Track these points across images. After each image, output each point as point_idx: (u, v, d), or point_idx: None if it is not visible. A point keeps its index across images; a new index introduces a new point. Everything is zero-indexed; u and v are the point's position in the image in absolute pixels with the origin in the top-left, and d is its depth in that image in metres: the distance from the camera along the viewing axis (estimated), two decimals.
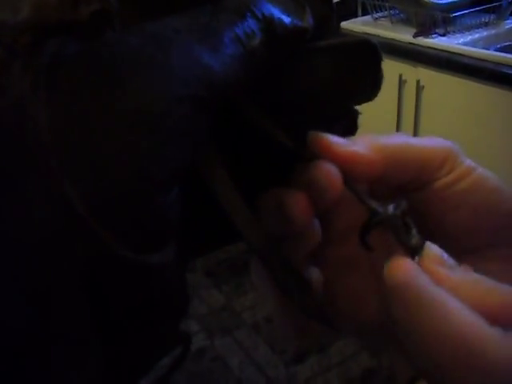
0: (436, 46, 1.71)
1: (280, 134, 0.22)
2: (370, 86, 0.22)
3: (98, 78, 0.17)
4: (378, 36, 1.88)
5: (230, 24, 0.19)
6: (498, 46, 1.71)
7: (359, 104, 0.23)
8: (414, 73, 1.75)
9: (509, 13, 1.84)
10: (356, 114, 0.24)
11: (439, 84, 1.70)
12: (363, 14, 2.06)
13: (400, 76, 1.78)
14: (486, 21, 1.81)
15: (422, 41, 1.74)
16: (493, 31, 1.80)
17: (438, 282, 0.20)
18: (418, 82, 1.74)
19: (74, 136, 0.16)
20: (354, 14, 2.07)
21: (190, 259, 0.25)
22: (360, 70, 0.22)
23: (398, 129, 1.85)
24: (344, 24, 2.00)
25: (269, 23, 0.19)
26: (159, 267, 0.18)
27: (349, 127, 0.24)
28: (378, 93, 0.22)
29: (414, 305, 0.19)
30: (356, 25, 1.98)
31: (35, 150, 0.16)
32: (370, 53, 0.22)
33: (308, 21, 0.21)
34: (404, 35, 1.80)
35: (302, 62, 0.21)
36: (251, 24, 0.19)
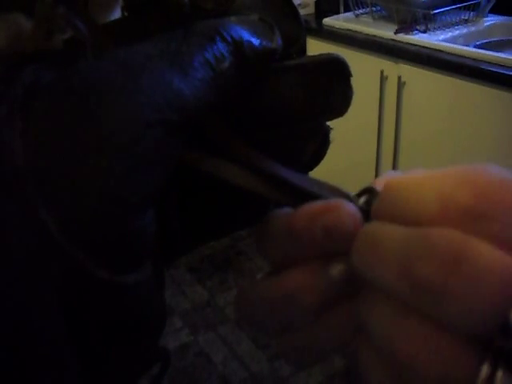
0: (417, 43, 1.72)
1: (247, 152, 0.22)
2: (341, 103, 0.22)
3: (71, 106, 0.17)
4: (360, 32, 1.89)
5: (199, 48, 0.19)
6: (478, 42, 1.73)
7: (330, 120, 0.23)
8: (395, 69, 1.76)
9: (487, 10, 1.86)
10: (328, 129, 0.24)
11: (420, 80, 1.71)
12: (345, 11, 2.07)
13: (382, 72, 1.79)
14: (466, 18, 1.83)
15: (404, 37, 1.76)
16: (472, 28, 1.82)
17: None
18: (399, 77, 1.75)
19: (48, 163, 0.17)
20: (336, 11, 2.08)
21: (173, 259, 0.25)
22: (330, 87, 0.22)
23: (379, 124, 1.87)
24: (326, 21, 2.01)
25: (238, 46, 0.20)
26: (135, 287, 0.19)
27: (321, 143, 0.24)
28: (348, 108, 0.23)
29: None
30: (338, 21, 1.99)
31: (11, 176, 0.17)
32: (340, 69, 0.22)
33: (277, 42, 0.21)
34: (385, 32, 1.82)
35: (272, 81, 0.22)
36: (220, 47, 0.19)
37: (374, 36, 1.84)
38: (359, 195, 0.22)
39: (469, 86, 1.57)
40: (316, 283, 0.21)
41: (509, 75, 1.47)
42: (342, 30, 1.95)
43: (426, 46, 1.69)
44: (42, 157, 0.17)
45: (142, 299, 0.20)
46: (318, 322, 0.21)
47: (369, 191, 0.21)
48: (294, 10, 0.23)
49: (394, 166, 1.89)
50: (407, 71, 1.73)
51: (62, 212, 0.17)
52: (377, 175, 1.95)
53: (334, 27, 1.98)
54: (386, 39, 1.80)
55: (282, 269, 0.22)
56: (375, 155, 1.93)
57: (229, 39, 0.20)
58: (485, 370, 0.16)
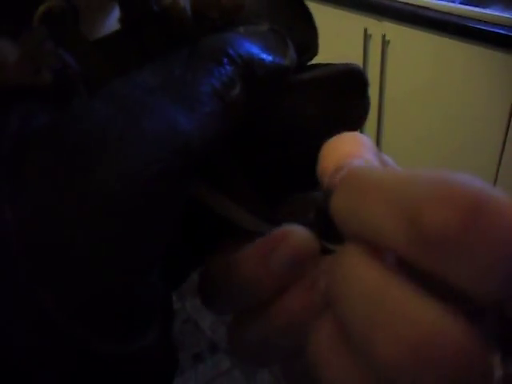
0: None
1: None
2: (358, 115, 0.21)
3: (65, 163, 0.15)
4: None
5: (206, 75, 0.17)
6: None
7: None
8: (379, 27, 1.73)
9: None
10: None
11: (405, 38, 1.68)
12: None
13: (365, 30, 1.75)
14: None
15: None
16: None
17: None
18: (383, 36, 1.72)
19: (42, 233, 0.14)
20: None
21: (177, 287, 0.24)
22: (347, 101, 0.21)
23: None
24: None
25: (248, 67, 0.17)
26: (143, 352, 0.17)
27: None
28: (365, 120, 0.21)
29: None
30: None
31: (0, 248, 0.14)
32: (356, 81, 0.20)
33: (290, 57, 0.19)
34: None
35: (286, 97, 0.20)
36: (229, 71, 0.17)
37: None
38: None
39: (454, 43, 1.55)
40: (312, 298, 0.19)
41: (494, 32, 1.45)
42: None
43: (411, 2, 1.65)
44: (34, 226, 0.14)
45: (151, 361, 0.18)
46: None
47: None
48: (306, 12, 0.21)
49: (379, 125, 1.88)
50: (391, 29, 1.70)
51: (59, 289, 0.14)
52: None
53: None
54: None
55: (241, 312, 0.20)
56: None
57: (237, 60, 0.17)
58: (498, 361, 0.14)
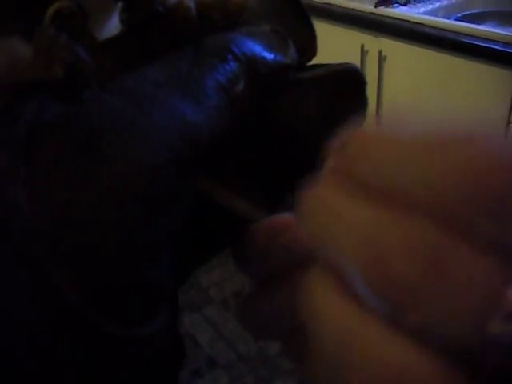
0: (397, 16, 1.70)
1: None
2: (356, 113, 0.22)
3: (78, 150, 0.15)
4: (339, 6, 1.85)
5: (211, 70, 0.18)
6: (459, 15, 1.71)
7: None
8: (375, 43, 1.74)
9: None
10: None
11: (401, 54, 1.69)
12: None
13: (362, 46, 1.77)
14: None
15: (384, 10, 1.73)
16: (453, 0, 1.80)
17: None
18: (380, 52, 1.73)
19: (57, 217, 0.15)
20: None
21: (185, 281, 0.24)
22: (345, 98, 0.21)
23: None
24: None
25: (251, 64, 0.18)
26: (152, 336, 0.17)
27: None
28: (364, 120, 0.22)
29: None
30: None
31: (17, 234, 0.15)
32: (355, 80, 0.21)
33: (291, 55, 0.20)
34: (365, 5, 1.78)
35: (286, 95, 0.21)
36: (233, 67, 0.18)
37: (354, 10, 1.81)
38: None
39: (450, 59, 1.56)
40: None
41: (489, 48, 1.46)
42: (321, 3, 1.91)
43: (407, 19, 1.67)
44: (49, 211, 0.15)
45: (159, 346, 0.18)
46: None
47: None
48: (305, 15, 0.21)
49: None
50: (388, 45, 1.71)
51: (73, 270, 0.15)
52: None
53: (312, 1, 1.94)
54: (366, 13, 1.77)
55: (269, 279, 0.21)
56: None
57: (241, 58, 0.18)
58: None
